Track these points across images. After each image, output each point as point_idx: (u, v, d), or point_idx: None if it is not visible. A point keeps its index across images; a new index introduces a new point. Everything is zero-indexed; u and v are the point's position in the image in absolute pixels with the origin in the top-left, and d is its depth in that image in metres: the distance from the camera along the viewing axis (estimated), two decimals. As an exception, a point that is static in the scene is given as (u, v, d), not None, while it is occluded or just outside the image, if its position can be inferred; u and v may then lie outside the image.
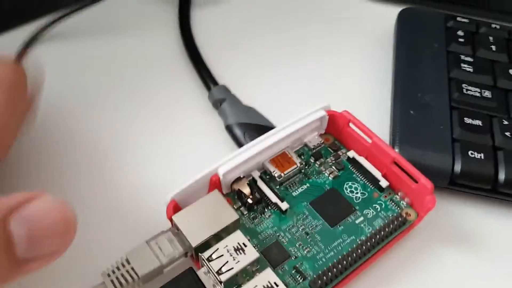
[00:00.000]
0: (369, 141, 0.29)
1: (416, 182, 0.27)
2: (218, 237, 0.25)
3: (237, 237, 0.24)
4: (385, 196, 0.29)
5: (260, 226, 0.27)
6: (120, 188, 0.29)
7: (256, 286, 0.23)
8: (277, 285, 0.23)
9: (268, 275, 0.23)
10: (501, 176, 0.28)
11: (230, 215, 0.25)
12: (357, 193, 0.29)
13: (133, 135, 0.32)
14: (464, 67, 0.33)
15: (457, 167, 0.28)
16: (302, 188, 0.29)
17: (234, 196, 0.28)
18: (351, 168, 0.30)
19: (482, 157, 0.28)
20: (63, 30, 0.37)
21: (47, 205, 0.18)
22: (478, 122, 0.30)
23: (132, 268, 0.23)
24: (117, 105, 0.34)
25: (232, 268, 0.23)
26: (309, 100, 0.30)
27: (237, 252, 0.24)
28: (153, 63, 0.37)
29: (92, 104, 0.32)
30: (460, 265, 0.28)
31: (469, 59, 0.34)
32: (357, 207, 0.28)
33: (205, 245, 0.24)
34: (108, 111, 0.33)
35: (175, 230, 0.25)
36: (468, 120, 0.30)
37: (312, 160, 0.30)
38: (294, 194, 0.29)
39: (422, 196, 0.27)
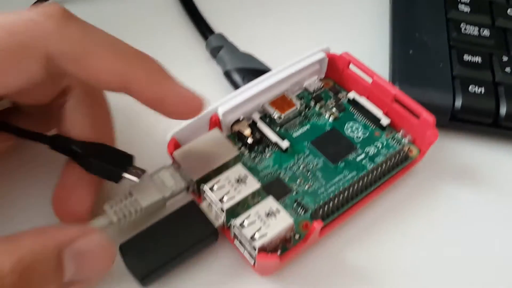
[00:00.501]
0: (370, 81, 0.29)
1: (418, 117, 0.27)
2: (218, 172, 0.25)
3: (238, 169, 0.24)
4: (387, 135, 0.28)
5: (261, 165, 0.27)
6: (123, 132, 0.28)
7: (258, 212, 0.23)
8: (278, 212, 0.23)
9: (270, 202, 0.23)
10: (502, 110, 0.28)
11: (230, 151, 0.25)
12: (358, 133, 0.29)
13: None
14: (461, 7, 0.33)
15: (458, 103, 0.28)
16: (302, 130, 0.29)
17: (234, 138, 0.28)
18: (351, 109, 0.30)
19: (483, 92, 0.28)
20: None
21: (97, 243, 0.20)
22: (477, 59, 0.30)
23: (135, 200, 0.23)
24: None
25: (234, 197, 0.23)
26: (308, 45, 0.30)
27: (239, 183, 0.24)
28: (149, 16, 0.37)
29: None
30: (463, 201, 0.28)
31: (466, -1, 0.34)
32: (358, 145, 0.28)
33: (206, 179, 0.24)
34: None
35: (177, 166, 0.25)
36: (467, 58, 0.30)
37: (312, 103, 0.30)
38: (294, 135, 0.29)
39: (424, 131, 0.27)
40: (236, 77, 0.31)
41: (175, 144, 0.26)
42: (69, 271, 0.19)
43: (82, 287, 0.20)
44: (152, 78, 0.21)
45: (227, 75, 0.31)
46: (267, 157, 0.27)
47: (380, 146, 0.28)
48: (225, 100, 0.27)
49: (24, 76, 0.19)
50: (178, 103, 0.22)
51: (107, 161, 0.23)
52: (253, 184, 0.24)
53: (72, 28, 0.19)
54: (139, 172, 0.23)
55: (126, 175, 0.23)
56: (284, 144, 0.27)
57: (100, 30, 0.21)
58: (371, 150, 0.28)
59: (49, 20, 0.19)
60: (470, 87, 0.28)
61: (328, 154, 0.27)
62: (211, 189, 0.23)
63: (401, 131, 0.28)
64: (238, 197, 0.23)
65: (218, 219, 0.24)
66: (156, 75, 0.22)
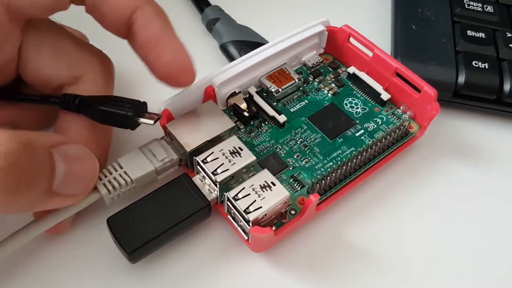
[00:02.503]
0: (370, 54, 0.28)
1: (419, 91, 0.26)
2: (213, 144, 0.24)
3: (233, 141, 0.23)
4: (387, 110, 0.28)
5: (257, 139, 0.26)
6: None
7: (253, 185, 0.22)
8: (274, 184, 0.22)
9: (265, 175, 0.22)
10: (506, 86, 0.27)
11: (226, 122, 0.25)
12: (357, 108, 0.28)
13: (129, 57, 0.31)
14: (465, -16, 0.32)
15: (461, 78, 0.27)
16: (300, 105, 0.28)
17: (230, 112, 0.27)
18: (351, 85, 0.29)
19: (487, 67, 0.27)
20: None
21: (82, 152, 0.20)
22: (481, 35, 0.29)
23: (125, 172, 0.23)
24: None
25: (228, 169, 0.22)
26: (307, 18, 0.29)
27: (233, 155, 0.23)
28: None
29: (87, 33, 0.31)
30: (464, 178, 0.27)
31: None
32: (357, 121, 0.27)
33: (200, 151, 0.23)
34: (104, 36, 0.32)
35: (169, 138, 0.24)
36: (471, 33, 0.29)
37: (310, 78, 0.29)
38: (292, 110, 0.28)
39: (425, 105, 0.26)
40: (232, 50, 0.30)
41: (167, 115, 0.25)
42: (59, 178, 0.18)
43: (65, 201, 0.20)
44: (159, 17, 0.22)
45: (223, 48, 0.30)
46: (263, 131, 0.26)
47: (380, 122, 0.27)
48: (220, 72, 0.26)
49: None
50: (173, 55, 0.22)
51: (121, 109, 0.22)
52: (248, 157, 0.23)
53: None
54: (154, 116, 0.22)
55: (141, 119, 0.22)
56: (281, 118, 0.26)
57: None
58: (371, 125, 0.27)
59: None
60: (473, 63, 0.28)
61: (325, 130, 0.27)
62: (204, 161, 0.23)
63: (402, 107, 0.27)
64: (233, 170, 0.22)
65: (212, 192, 0.23)
66: (163, 19, 0.22)
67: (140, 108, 0.22)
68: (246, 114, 0.26)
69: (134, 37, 0.22)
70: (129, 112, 0.22)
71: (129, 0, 0.21)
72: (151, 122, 0.22)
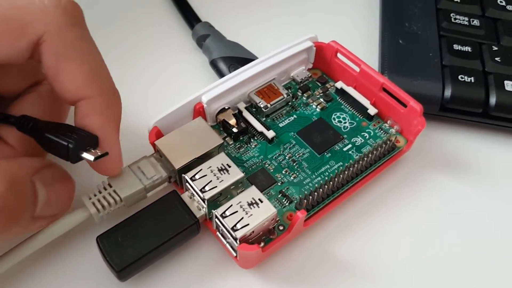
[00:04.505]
0: (357, 70, 0.28)
1: (405, 106, 0.27)
2: (202, 161, 0.24)
3: (221, 158, 0.24)
4: (374, 125, 0.28)
5: (246, 155, 0.26)
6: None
7: (240, 202, 0.22)
8: (261, 201, 0.22)
9: (253, 192, 0.22)
10: (492, 99, 0.28)
11: (214, 139, 0.25)
12: (345, 123, 0.28)
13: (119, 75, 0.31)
14: (451, -3, 0.32)
15: (448, 92, 0.28)
16: (289, 120, 0.28)
17: (219, 128, 0.27)
18: (339, 99, 0.29)
19: (473, 81, 0.28)
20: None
21: (60, 173, 0.21)
22: (467, 49, 0.29)
23: (114, 191, 0.23)
24: (104, 45, 0.33)
25: (216, 186, 0.23)
26: (296, 34, 0.29)
27: (221, 172, 0.23)
28: (135, 4, 0.36)
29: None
30: (451, 191, 0.27)
31: (456, -11, 0.33)
32: (345, 136, 0.27)
33: (188, 168, 0.24)
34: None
35: (158, 156, 0.25)
36: (457, 47, 0.29)
37: (299, 93, 0.29)
38: (280, 125, 0.28)
39: (411, 120, 0.26)
40: (222, 66, 0.30)
41: (157, 133, 0.25)
42: (42, 197, 0.19)
43: (48, 222, 0.21)
44: (103, 113, 0.21)
45: (213, 64, 0.30)
46: (252, 147, 0.27)
47: (367, 136, 0.27)
48: (209, 88, 0.26)
49: (12, 49, 0.19)
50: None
51: (64, 139, 0.20)
52: (236, 174, 0.23)
53: (73, 30, 0.20)
54: (98, 153, 0.21)
55: (84, 154, 0.21)
56: (270, 134, 0.27)
57: (96, 49, 0.21)
58: (358, 140, 0.27)
59: (58, 11, 0.19)
60: (460, 76, 0.28)
61: (314, 145, 0.27)
62: (193, 178, 0.23)
63: (389, 121, 0.28)
64: (221, 187, 0.23)
65: (200, 209, 0.23)
66: (107, 117, 0.21)
67: (88, 141, 0.21)
68: (235, 130, 0.27)
69: (77, 115, 0.21)
70: (71, 144, 0.20)
71: (78, 88, 0.20)
72: (92, 157, 0.20)
